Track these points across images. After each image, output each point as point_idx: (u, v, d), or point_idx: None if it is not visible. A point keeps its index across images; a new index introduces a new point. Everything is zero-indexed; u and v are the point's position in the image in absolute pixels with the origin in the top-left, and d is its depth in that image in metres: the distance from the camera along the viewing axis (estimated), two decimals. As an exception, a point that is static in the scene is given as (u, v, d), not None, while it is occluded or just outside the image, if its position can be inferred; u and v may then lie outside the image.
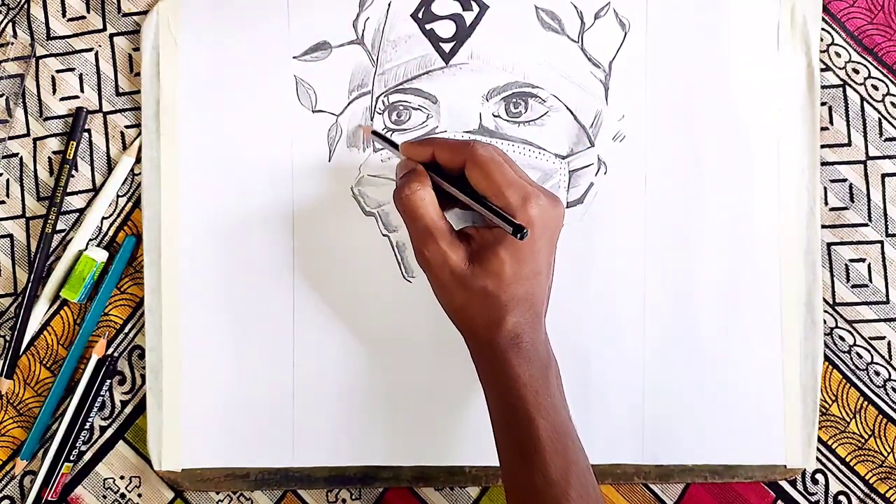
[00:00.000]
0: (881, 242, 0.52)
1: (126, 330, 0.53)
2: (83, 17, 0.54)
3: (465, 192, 0.44)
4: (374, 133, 0.50)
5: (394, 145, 0.48)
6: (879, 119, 0.52)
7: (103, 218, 0.53)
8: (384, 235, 0.52)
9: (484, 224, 0.46)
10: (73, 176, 0.53)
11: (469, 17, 0.52)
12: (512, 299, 0.43)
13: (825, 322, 0.52)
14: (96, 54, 0.54)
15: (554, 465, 0.42)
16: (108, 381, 0.53)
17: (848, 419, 0.52)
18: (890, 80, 0.53)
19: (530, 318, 0.44)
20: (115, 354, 0.53)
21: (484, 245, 0.44)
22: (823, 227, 0.52)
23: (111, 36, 0.54)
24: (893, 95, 0.52)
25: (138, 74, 0.53)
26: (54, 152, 0.54)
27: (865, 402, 0.52)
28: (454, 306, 0.45)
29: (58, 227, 0.53)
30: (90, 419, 0.52)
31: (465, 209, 0.47)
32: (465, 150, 0.43)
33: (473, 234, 0.45)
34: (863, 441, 0.52)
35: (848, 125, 0.52)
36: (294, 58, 0.52)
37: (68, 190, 0.53)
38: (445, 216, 0.45)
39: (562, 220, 0.45)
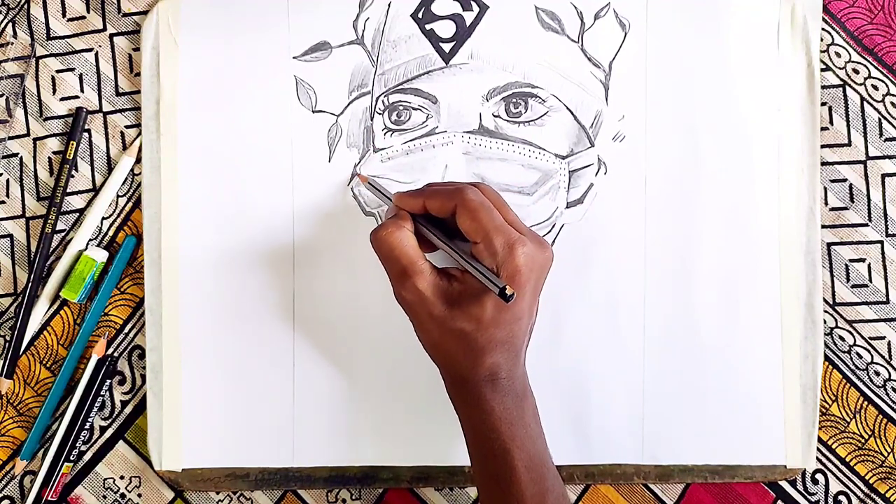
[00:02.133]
0: (881, 242, 0.52)
1: (126, 330, 0.53)
2: (83, 17, 0.54)
3: (456, 244, 0.43)
4: (370, 183, 0.50)
5: (387, 196, 0.48)
6: (879, 119, 0.52)
7: (103, 218, 0.53)
8: (384, 235, 0.52)
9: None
10: (73, 176, 0.53)
11: (469, 17, 0.52)
12: (490, 341, 0.43)
13: (825, 322, 0.52)
14: (96, 54, 0.54)
15: (529, 493, 0.42)
16: (108, 381, 0.53)
17: (848, 419, 0.52)
18: (890, 80, 0.52)
19: (509, 357, 0.44)
20: (115, 354, 0.53)
21: (468, 287, 0.43)
22: (823, 227, 0.52)
23: (111, 36, 0.54)
24: (893, 95, 0.52)
25: (138, 74, 0.53)
26: (54, 152, 0.54)
27: (865, 402, 0.52)
28: (431, 343, 0.45)
29: (58, 227, 0.53)
30: (90, 419, 0.52)
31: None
32: (455, 197, 0.43)
33: (458, 275, 0.44)
34: (863, 441, 0.52)
35: (848, 125, 0.52)
36: (294, 58, 0.52)
37: (68, 190, 0.53)
38: (431, 251, 0.44)
39: (550, 263, 0.45)
